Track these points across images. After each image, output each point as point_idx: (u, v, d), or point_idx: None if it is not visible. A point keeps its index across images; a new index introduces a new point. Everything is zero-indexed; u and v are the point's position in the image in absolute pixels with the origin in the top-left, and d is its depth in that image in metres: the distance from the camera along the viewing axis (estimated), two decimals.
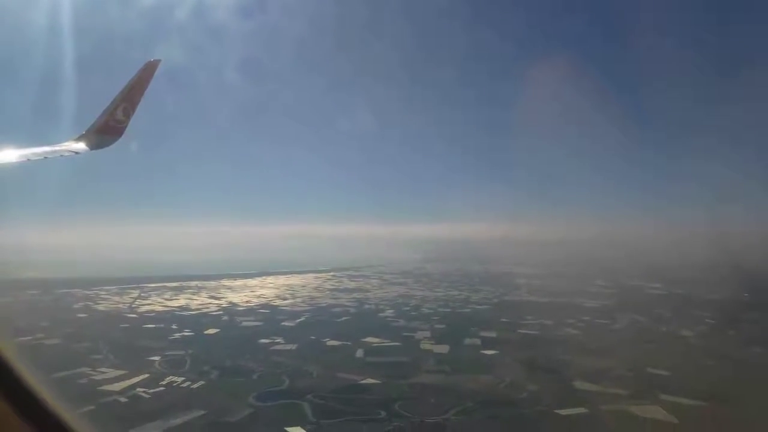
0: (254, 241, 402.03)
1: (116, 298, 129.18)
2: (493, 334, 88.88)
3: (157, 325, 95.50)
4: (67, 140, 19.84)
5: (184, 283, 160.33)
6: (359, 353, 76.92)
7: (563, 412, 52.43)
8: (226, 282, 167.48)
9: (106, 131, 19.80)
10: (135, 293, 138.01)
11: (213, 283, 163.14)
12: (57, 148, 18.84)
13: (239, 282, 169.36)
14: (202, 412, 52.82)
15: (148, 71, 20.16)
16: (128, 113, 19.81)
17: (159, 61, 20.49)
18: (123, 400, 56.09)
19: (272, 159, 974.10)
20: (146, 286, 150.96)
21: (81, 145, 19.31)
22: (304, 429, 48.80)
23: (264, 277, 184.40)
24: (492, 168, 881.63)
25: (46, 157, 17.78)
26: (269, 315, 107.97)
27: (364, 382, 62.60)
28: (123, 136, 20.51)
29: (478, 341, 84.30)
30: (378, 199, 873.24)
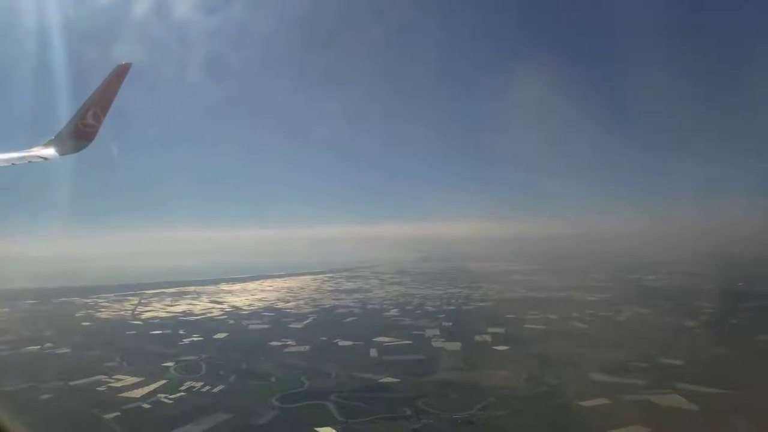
0: (246, 245, 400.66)
1: (116, 306, 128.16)
2: (501, 330, 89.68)
3: (164, 331, 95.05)
4: (35, 145, 19.34)
5: (182, 289, 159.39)
6: (373, 353, 77.29)
7: (586, 403, 53.25)
8: (224, 286, 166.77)
9: (76, 136, 19.29)
10: (134, 300, 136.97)
11: (211, 288, 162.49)
12: (25, 153, 18.26)
13: (237, 286, 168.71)
14: (229, 416, 52.90)
15: (118, 75, 19.69)
16: (99, 118, 19.36)
17: (129, 64, 20.02)
18: (146, 406, 55.96)
19: (257, 162, 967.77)
20: (144, 293, 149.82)
21: (50, 151, 18.79)
22: (334, 429, 49.04)
23: (261, 281, 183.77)
24: (478, 166, 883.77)
25: (13, 164, 17.32)
26: (275, 318, 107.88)
27: (383, 381, 62.99)
28: (94, 141, 19.97)
29: (488, 338, 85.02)
30: (363, 200, 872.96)
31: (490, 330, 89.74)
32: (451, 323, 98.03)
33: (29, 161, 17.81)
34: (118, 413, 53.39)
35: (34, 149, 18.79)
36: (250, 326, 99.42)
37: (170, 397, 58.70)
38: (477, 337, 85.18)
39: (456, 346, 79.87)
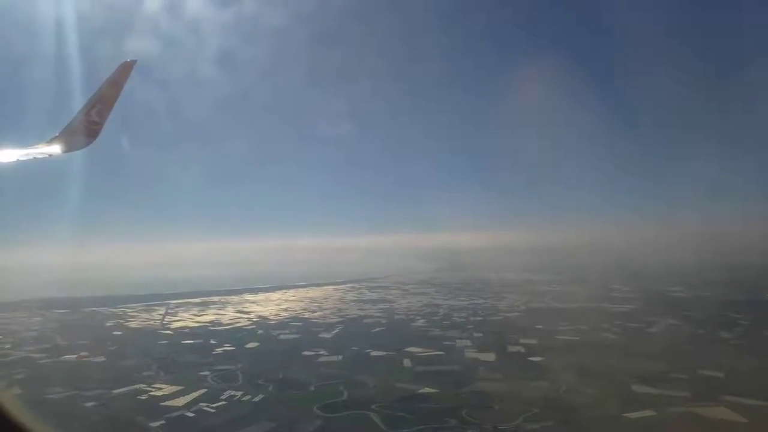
0: (263, 255, 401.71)
1: (145, 315, 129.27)
2: (533, 341, 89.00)
3: (196, 341, 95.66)
4: (40, 143, 19.29)
5: (207, 299, 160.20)
6: (407, 363, 77.20)
7: (632, 415, 52.82)
8: (248, 296, 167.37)
9: (81, 133, 19.29)
10: (161, 310, 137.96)
11: (235, 298, 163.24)
12: (30, 150, 18.35)
13: (261, 296, 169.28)
14: (273, 424, 53.35)
15: (123, 72, 19.65)
16: (103, 114, 19.30)
17: (135, 61, 19.96)
18: (190, 414, 56.48)
19: (268, 169, 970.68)
20: (170, 303, 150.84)
21: (55, 148, 18.85)
22: None
23: (284, 291, 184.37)
24: (486, 175, 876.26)
25: (18, 160, 17.38)
26: (303, 327, 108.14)
27: (422, 391, 62.92)
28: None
29: (521, 348, 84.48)
30: (375, 209, 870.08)
31: (522, 341, 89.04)
32: (481, 334, 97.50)
33: (35, 158, 17.91)
34: (164, 421, 54.05)
35: (39, 146, 18.86)
36: (280, 336, 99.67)
37: (212, 406, 59.17)
38: (510, 348, 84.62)
39: (490, 356, 79.54)
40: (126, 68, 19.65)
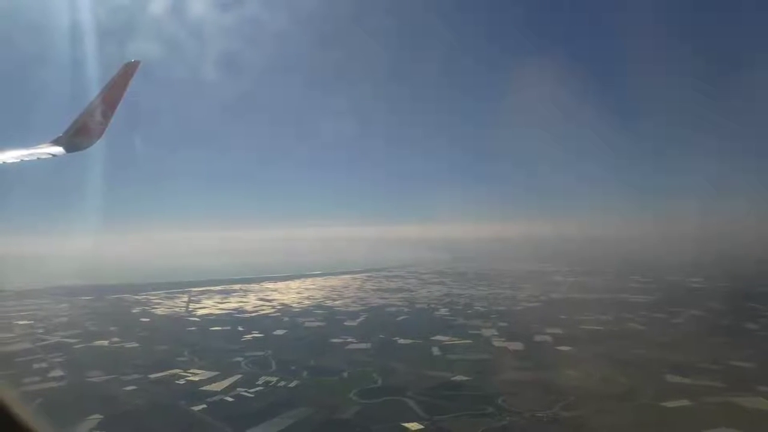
0: (276, 245, 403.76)
1: (169, 302, 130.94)
2: (559, 331, 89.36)
3: (224, 328, 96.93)
4: (44, 143, 19.28)
5: (227, 287, 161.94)
6: (436, 351, 77.87)
7: (669, 404, 53.11)
8: (268, 285, 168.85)
9: (84, 133, 19.34)
10: (183, 297, 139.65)
11: (255, 286, 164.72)
12: (33, 150, 18.36)
13: (281, 284, 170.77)
14: (312, 410, 54.08)
15: (126, 73, 19.65)
16: (107, 115, 19.28)
17: (138, 62, 19.95)
18: (229, 399, 57.46)
19: (275, 162, 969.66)
20: (192, 290, 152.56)
21: (58, 148, 18.92)
22: (421, 425, 49.74)
23: (302, 279, 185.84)
24: (485, 166, 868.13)
25: (22, 160, 17.41)
26: (327, 315, 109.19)
27: (455, 379, 63.58)
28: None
29: (548, 338, 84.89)
30: (381, 200, 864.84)
31: (548, 330, 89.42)
32: (506, 323, 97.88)
33: (38, 158, 17.90)
34: (205, 405, 55.02)
35: (42, 146, 18.87)
36: (306, 323, 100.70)
37: (250, 391, 60.10)
38: (537, 338, 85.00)
39: (518, 346, 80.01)
40: (129, 69, 19.75)
